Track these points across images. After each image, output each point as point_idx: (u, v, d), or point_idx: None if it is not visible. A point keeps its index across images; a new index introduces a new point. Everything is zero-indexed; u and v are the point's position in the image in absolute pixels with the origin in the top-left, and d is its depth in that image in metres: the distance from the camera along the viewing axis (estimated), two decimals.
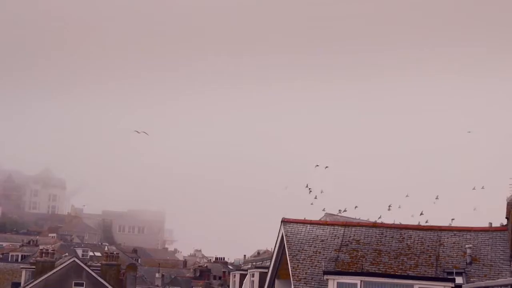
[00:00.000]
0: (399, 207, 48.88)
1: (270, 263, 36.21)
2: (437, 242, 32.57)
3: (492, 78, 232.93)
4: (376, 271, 30.80)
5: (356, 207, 50.46)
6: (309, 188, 51.33)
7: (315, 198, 51.11)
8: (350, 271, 30.69)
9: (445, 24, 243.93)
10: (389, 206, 51.05)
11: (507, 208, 32.23)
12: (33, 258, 76.81)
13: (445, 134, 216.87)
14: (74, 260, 70.19)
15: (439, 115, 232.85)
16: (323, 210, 49.27)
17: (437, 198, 52.03)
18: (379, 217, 48.64)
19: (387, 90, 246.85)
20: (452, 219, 43.43)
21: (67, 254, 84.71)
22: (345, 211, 49.15)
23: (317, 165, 52.16)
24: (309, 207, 50.83)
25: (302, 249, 32.72)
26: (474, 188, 51.51)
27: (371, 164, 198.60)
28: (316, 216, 43.64)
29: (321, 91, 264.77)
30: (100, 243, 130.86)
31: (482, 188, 51.50)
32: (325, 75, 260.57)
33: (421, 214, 48.66)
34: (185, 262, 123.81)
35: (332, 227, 34.15)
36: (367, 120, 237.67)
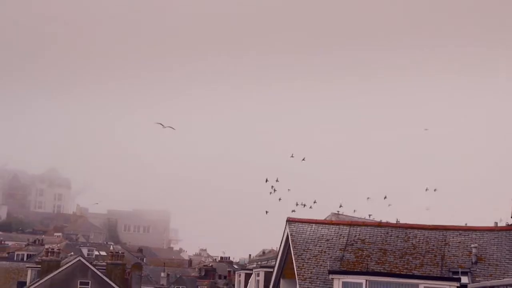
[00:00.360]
0: (354, 211, 49.53)
1: (275, 263, 36.22)
2: (442, 241, 32.54)
3: (492, 78, 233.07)
4: (382, 271, 30.78)
5: (315, 201, 51.79)
6: (275, 184, 52.37)
7: (274, 190, 52.33)
8: (356, 270, 30.69)
9: (445, 24, 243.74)
10: (340, 205, 52.26)
11: None
12: (39, 257, 76.95)
13: (444, 134, 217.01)
14: (79, 259, 70.30)
15: (439, 115, 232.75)
16: (279, 199, 50.87)
17: (385, 198, 52.98)
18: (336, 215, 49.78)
19: (387, 90, 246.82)
20: (398, 220, 43.75)
21: (72, 253, 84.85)
22: (305, 205, 50.61)
23: (292, 156, 52.97)
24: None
25: (307, 249, 32.71)
26: (427, 189, 52.06)
27: (370, 164, 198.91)
28: (319, 215, 43.88)
29: (321, 91, 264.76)
30: (105, 243, 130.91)
31: (435, 190, 52.04)
32: (325, 75, 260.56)
33: (370, 215, 49.16)
34: (190, 262, 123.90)
35: (337, 226, 34.15)
36: (367, 120, 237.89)
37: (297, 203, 53.25)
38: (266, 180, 53.97)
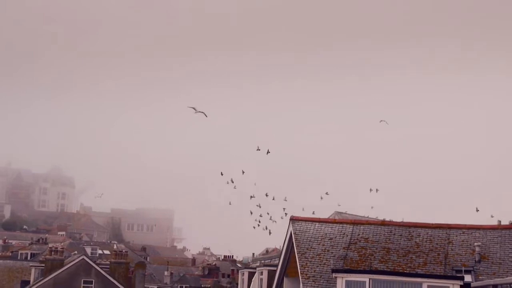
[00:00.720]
0: (307, 211, 50.18)
1: (279, 261, 36.24)
2: (446, 240, 32.54)
3: (492, 78, 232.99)
4: (385, 269, 30.80)
5: (267, 194, 53.13)
6: (241, 175, 53.37)
7: (232, 182, 53.37)
8: (359, 269, 30.71)
9: (445, 24, 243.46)
10: (284, 199, 53.27)
11: None
12: (42, 256, 76.96)
13: (444, 134, 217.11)
14: (83, 258, 70.35)
15: (439, 115, 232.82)
16: (234, 187, 52.44)
17: (327, 194, 53.85)
18: (285, 215, 51.10)
19: (387, 90, 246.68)
20: (347, 213, 43.96)
21: (76, 252, 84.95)
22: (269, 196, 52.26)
23: (259, 149, 53.64)
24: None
25: (311, 247, 32.73)
26: (371, 190, 52.60)
27: (369, 164, 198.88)
28: (325, 214, 43.95)
29: (321, 91, 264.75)
30: (109, 241, 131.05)
31: (377, 191, 52.55)
32: (325, 75, 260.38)
33: (313, 213, 49.73)
34: (193, 260, 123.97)
35: (340, 225, 34.15)
36: (366, 120, 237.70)
37: (251, 196, 54.59)
38: (221, 174, 55.20)
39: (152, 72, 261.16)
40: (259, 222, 57.32)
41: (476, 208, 45.04)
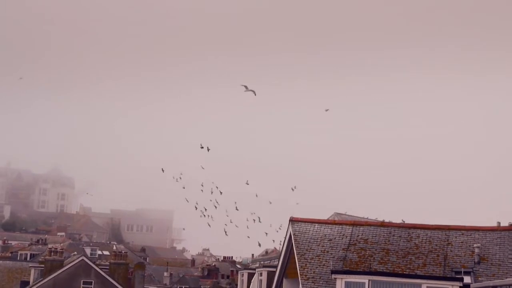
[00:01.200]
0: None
1: (278, 262, 36.26)
2: (445, 241, 32.55)
3: (492, 78, 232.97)
4: (384, 270, 30.81)
5: (212, 188, 54.80)
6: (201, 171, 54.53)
7: (181, 178, 54.67)
8: (358, 270, 30.72)
9: (445, 24, 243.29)
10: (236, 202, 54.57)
11: None
12: (42, 257, 76.99)
13: (444, 134, 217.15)
14: (82, 259, 70.37)
15: (439, 115, 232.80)
16: (183, 187, 54.07)
17: (254, 192, 55.38)
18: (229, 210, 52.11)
19: (387, 90, 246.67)
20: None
21: (75, 253, 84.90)
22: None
23: (202, 147, 54.88)
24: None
25: (310, 248, 32.74)
26: (293, 189, 53.49)
27: (370, 164, 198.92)
28: (324, 216, 43.96)
29: (321, 91, 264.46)
30: (108, 242, 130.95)
31: (295, 187, 53.43)
32: (325, 75, 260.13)
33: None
34: (193, 261, 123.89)
35: (340, 226, 34.16)
36: (366, 120, 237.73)
37: (201, 186, 56.18)
38: (162, 170, 56.86)
39: (152, 72, 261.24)
40: (202, 212, 59.00)
41: (383, 220, 45.11)
